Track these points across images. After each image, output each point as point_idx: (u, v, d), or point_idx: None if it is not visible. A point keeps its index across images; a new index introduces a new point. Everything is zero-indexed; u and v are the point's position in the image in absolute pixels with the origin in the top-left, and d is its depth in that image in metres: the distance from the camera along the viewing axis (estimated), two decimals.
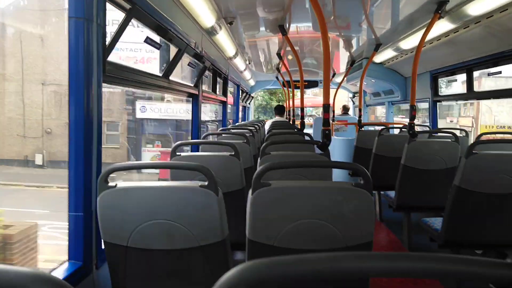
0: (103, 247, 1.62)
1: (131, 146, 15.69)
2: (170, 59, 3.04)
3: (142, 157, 15.58)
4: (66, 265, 1.61)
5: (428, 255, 0.50)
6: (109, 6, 1.77)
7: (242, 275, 0.49)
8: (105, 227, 1.51)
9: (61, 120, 14.38)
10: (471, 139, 5.22)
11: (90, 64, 1.59)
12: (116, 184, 1.48)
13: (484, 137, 3.87)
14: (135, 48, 15.06)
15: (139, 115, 15.75)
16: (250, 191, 1.49)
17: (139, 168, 1.83)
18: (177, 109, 15.85)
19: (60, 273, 1.55)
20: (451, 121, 20.07)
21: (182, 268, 1.56)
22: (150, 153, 15.66)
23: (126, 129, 15.62)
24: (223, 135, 3.73)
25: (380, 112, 11.18)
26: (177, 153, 2.36)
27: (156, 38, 2.55)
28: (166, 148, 15.49)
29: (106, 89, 15.25)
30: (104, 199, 1.47)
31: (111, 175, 1.50)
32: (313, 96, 18.35)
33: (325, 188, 1.47)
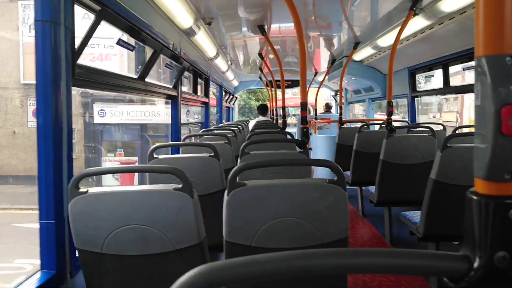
0: (77, 254, 1.59)
1: (90, 156, 14.30)
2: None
3: None
4: (38, 274, 1.57)
5: (382, 251, 0.50)
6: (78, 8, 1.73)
7: (195, 280, 0.48)
8: (78, 234, 1.48)
9: (6, 129, 13.21)
10: None
11: (58, 67, 1.55)
12: (87, 190, 1.45)
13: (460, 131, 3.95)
14: (92, 44, 13.89)
15: (97, 120, 14.02)
16: (226, 192, 1.48)
17: (110, 172, 1.80)
18: (147, 111, 14.41)
19: (32, 283, 1.51)
20: (434, 117, 19.78)
21: (159, 272, 1.53)
22: (111, 163, 14.13)
23: (83, 136, 14.16)
24: (205, 136, 3.70)
25: (358, 109, 11.32)
26: (155, 156, 2.33)
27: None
28: (130, 157, 14.47)
29: None
30: (76, 206, 1.44)
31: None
32: (293, 96, 18.33)
33: (300, 185, 1.48)
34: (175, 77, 3.72)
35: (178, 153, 3.21)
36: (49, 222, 1.57)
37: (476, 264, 0.52)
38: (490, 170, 0.56)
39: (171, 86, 3.62)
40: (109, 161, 14.21)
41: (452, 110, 19.03)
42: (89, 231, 1.47)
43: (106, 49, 13.70)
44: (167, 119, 14.52)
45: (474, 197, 0.58)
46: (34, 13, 1.52)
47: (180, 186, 1.46)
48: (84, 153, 14.31)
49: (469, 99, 17.80)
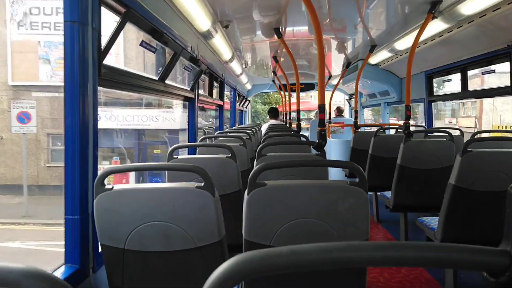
0: (100, 250, 1.62)
1: None
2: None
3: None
4: (62, 268, 1.61)
5: (421, 244, 0.51)
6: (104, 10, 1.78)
7: (237, 267, 0.50)
8: (102, 229, 1.51)
9: None
10: None
11: (86, 68, 1.59)
12: (112, 187, 1.49)
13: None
14: None
15: None
16: (246, 192, 1.50)
17: (134, 170, 1.84)
18: (144, 116, 13.56)
19: None
20: (450, 122, 18.68)
21: (179, 269, 1.56)
22: None
23: None
24: (219, 138, 3.73)
25: (366, 114, 11.16)
26: (174, 156, 2.36)
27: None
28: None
29: (50, 94, 13.14)
30: (101, 202, 1.48)
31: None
32: (305, 101, 18.25)
33: (321, 186, 1.48)
34: (192, 79, 3.77)
35: (195, 154, 3.25)
36: (74, 218, 1.61)
37: None
38: None
39: (188, 88, 3.67)
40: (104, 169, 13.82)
41: (470, 115, 18.06)
42: (113, 227, 1.50)
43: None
44: (166, 124, 13.76)
45: None
46: (63, 14, 1.57)
47: (202, 184, 1.48)
48: None
49: (489, 103, 16.96)
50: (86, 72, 1.59)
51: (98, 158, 1.72)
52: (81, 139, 1.59)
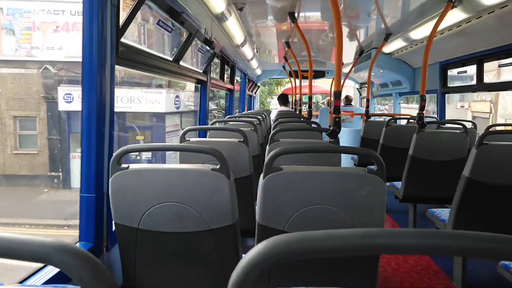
0: (113, 229, 1.64)
1: (55, 152, 11.38)
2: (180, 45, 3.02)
3: (70, 167, 11.12)
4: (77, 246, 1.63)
5: (457, 233, 0.49)
6: None
7: (274, 249, 0.49)
8: (117, 208, 1.52)
9: None
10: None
11: (104, 45, 1.58)
12: (128, 166, 1.49)
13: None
14: (55, 10, 10.69)
15: (63, 106, 10.99)
16: (261, 176, 1.49)
17: (151, 150, 1.84)
18: (124, 97, 11.64)
19: None
20: (462, 107, 16.78)
21: (192, 251, 1.57)
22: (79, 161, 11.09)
23: (46, 126, 11.32)
24: (230, 123, 3.72)
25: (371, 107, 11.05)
26: (186, 138, 2.36)
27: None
28: None
29: (15, 70, 10.64)
30: (116, 181, 1.48)
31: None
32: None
33: (338, 173, 1.47)
34: (205, 61, 3.74)
35: (205, 137, 3.25)
36: (89, 196, 1.62)
37: None
38: None
39: (201, 71, 3.64)
40: (78, 158, 10.39)
41: (485, 99, 15.66)
42: (128, 206, 1.51)
43: (73, 16, 10.68)
44: (150, 107, 11.96)
45: None
46: None
47: (217, 167, 1.47)
48: (48, 148, 11.42)
49: None
50: (104, 50, 1.58)
51: (113, 137, 1.72)
52: (97, 118, 1.59)
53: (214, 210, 1.50)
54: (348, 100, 9.50)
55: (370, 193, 1.43)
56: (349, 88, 16.25)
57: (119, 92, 10.78)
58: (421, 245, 0.48)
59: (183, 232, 1.53)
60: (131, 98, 11.86)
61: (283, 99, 7.15)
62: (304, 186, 1.48)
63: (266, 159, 1.49)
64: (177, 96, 12.58)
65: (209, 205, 1.50)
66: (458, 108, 16.74)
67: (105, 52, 1.58)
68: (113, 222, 1.59)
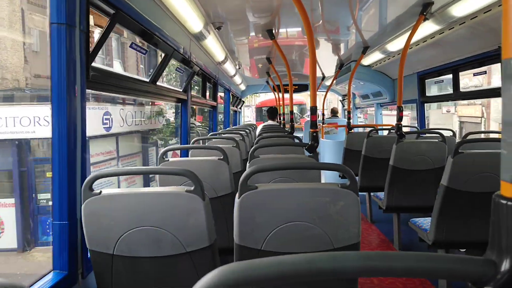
0: (89, 255, 1.60)
1: None
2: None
3: None
4: (50, 275, 1.58)
5: (405, 254, 0.50)
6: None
7: (220, 278, 0.49)
8: (91, 235, 1.48)
9: None
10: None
11: (73, 70, 1.57)
12: (100, 191, 1.46)
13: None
14: None
15: None
16: (237, 195, 1.48)
17: (122, 174, 1.81)
18: (24, 116, 7.86)
19: (45, 283, 1.52)
20: (448, 111, 16.12)
21: (169, 275, 1.54)
22: None
23: None
24: (213, 140, 3.71)
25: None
26: (166, 158, 2.34)
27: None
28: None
29: None
30: (89, 207, 1.45)
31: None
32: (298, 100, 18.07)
33: (311, 189, 1.47)
34: (185, 81, 3.74)
35: (187, 156, 3.22)
36: (62, 223, 1.59)
37: (502, 269, 0.51)
38: None
39: (181, 90, 3.64)
40: None
41: (474, 103, 14.52)
42: (102, 232, 1.48)
43: None
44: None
45: (501, 201, 0.57)
46: (49, 16, 1.54)
47: (192, 188, 1.46)
48: None
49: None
50: (74, 75, 1.57)
51: (86, 162, 1.69)
52: (68, 143, 1.57)
53: (190, 232, 1.48)
54: (334, 112, 9.62)
55: (344, 207, 1.44)
56: (336, 100, 16.42)
57: (16, 111, 8.01)
58: (362, 267, 0.48)
59: (160, 256, 1.51)
60: (36, 119, 8.01)
61: (272, 113, 7.16)
62: (280, 203, 1.48)
63: (241, 178, 1.48)
64: (106, 113, 9.12)
65: (185, 228, 1.48)
66: (444, 113, 16.25)
67: (75, 77, 1.57)
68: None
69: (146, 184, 10.31)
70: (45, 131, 7.89)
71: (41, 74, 8.92)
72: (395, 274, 0.48)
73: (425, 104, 5.10)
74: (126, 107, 10.40)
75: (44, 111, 7.97)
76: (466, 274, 0.49)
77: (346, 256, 0.49)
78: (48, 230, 7.91)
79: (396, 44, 4.43)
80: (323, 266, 0.49)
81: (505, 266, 0.52)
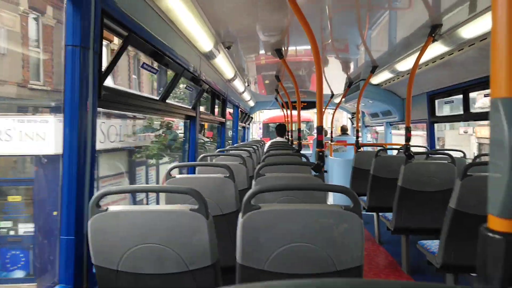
0: (94, 271, 1.62)
1: None
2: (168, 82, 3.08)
3: None
4: None
5: (388, 282, 0.50)
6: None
7: None
8: (96, 250, 1.51)
9: None
10: None
11: (86, 90, 1.62)
12: (107, 208, 1.49)
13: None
14: None
15: None
16: (240, 214, 1.49)
17: (130, 192, 1.84)
18: None
19: None
20: (465, 132, 15.17)
21: None
22: None
23: None
24: (221, 156, 3.74)
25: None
26: (173, 175, 2.37)
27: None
28: None
29: None
30: (95, 223, 1.48)
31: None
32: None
33: (315, 211, 1.47)
34: (194, 98, 3.81)
35: (194, 173, 3.25)
36: (69, 238, 1.61)
37: None
38: (504, 207, 0.57)
39: (190, 107, 3.70)
40: None
41: None
42: (107, 248, 1.50)
43: None
44: (28, 146, 5.97)
45: (488, 234, 0.58)
46: (65, 38, 1.60)
47: (196, 207, 1.48)
48: None
49: None
50: (86, 95, 1.62)
51: (94, 179, 1.73)
52: (78, 161, 1.61)
53: (193, 251, 1.49)
54: (344, 130, 9.60)
55: (347, 230, 1.43)
56: (344, 118, 16.35)
57: None
58: None
59: (163, 273, 1.52)
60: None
61: (281, 130, 7.18)
62: (283, 224, 1.48)
63: (245, 197, 1.50)
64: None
65: (188, 246, 1.49)
66: (461, 134, 15.38)
67: (87, 97, 1.63)
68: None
69: (134, 201, 9.31)
70: (4, 147, 6.20)
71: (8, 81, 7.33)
72: None
73: (439, 124, 5.07)
74: (110, 120, 8.72)
75: (5, 122, 6.25)
76: None
77: (334, 283, 0.50)
78: (8, 265, 6.17)
79: (405, 64, 4.45)
80: None
81: None
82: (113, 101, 1.95)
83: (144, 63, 2.35)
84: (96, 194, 1.49)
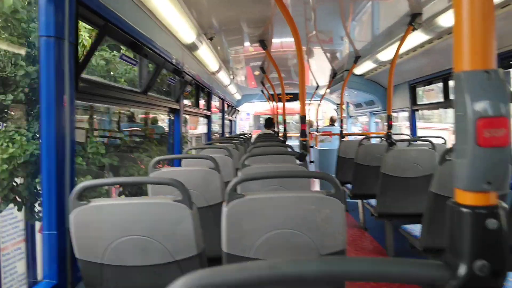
0: (78, 265, 1.60)
1: None
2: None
3: None
4: (40, 285, 1.58)
5: (364, 259, 0.52)
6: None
7: (187, 285, 0.50)
8: (79, 244, 1.49)
9: None
10: None
11: (62, 81, 1.59)
12: (89, 201, 1.48)
13: None
14: None
15: None
16: (225, 203, 1.50)
17: (111, 184, 1.83)
18: None
19: None
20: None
21: (158, 284, 1.54)
22: None
23: None
24: (207, 149, 3.73)
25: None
26: (156, 168, 2.35)
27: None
28: None
29: None
30: (77, 216, 1.46)
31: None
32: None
33: (298, 197, 1.49)
34: (177, 90, 3.77)
35: (180, 166, 3.24)
36: (51, 233, 1.59)
37: (457, 273, 0.53)
38: (469, 180, 0.58)
39: (173, 100, 3.67)
40: None
41: None
42: (90, 241, 1.49)
43: None
44: None
45: (455, 207, 0.60)
46: (39, 29, 1.57)
47: (180, 198, 1.48)
48: None
49: None
50: (62, 86, 1.59)
51: (75, 172, 1.71)
52: (57, 153, 1.58)
53: (178, 241, 1.50)
54: (333, 120, 9.70)
55: (330, 215, 1.45)
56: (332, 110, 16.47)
57: None
58: (321, 272, 0.50)
59: (148, 265, 1.51)
60: None
61: (268, 122, 7.27)
62: (267, 211, 1.50)
63: (228, 187, 1.50)
64: None
65: (172, 237, 1.49)
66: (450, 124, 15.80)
67: (63, 89, 1.60)
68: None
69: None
70: None
71: None
72: (352, 278, 0.50)
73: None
74: None
75: None
76: (422, 278, 0.51)
77: (307, 262, 0.51)
78: None
79: (387, 54, 4.50)
80: (285, 271, 0.50)
81: (461, 270, 0.54)
82: (91, 93, 1.92)
83: (122, 54, 2.31)
84: (76, 187, 1.47)
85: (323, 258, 0.51)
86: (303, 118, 2.47)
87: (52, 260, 1.62)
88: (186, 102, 4.31)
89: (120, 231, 1.48)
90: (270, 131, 7.31)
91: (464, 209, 0.58)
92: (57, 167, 1.59)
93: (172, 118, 3.78)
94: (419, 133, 5.07)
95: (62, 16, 1.57)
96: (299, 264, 0.50)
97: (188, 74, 3.81)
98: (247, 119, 18.18)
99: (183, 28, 3.08)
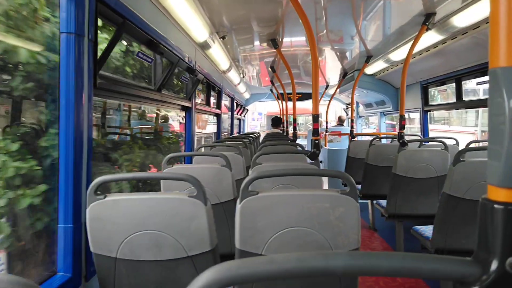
0: (93, 258, 1.63)
1: None
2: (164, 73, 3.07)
3: None
4: (54, 277, 1.61)
5: (393, 254, 0.52)
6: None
7: (215, 276, 0.51)
8: (94, 238, 1.51)
9: None
10: None
11: (81, 78, 1.62)
12: (105, 196, 1.50)
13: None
14: None
15: None
16: (238, 200, 1.51)
17: (127, 179, 1.85)
18: None
19: (48, 286, 1.55)
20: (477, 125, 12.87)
21: (171, 278, 1.56)
22: None
23: None
24: (217, 147, 3.74)
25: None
26: (169, 165, 2.37)
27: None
28: None
29: None
30: (93, 211, 1.48)
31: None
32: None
33: (312, 195, 1.49)
34: (190, 89, 3.80)
35: (191, 163, 3.26)
36: (67, 227, 1.62)
37: (489, 269, 0.54)
38: (504, 176, 0.58)
39: (185, 97, 3.70)
40: None
41: None
42: (105, 236, 1.51)
43: None
44: None
45: (487, 203, 0.59)
46: (59, 25, 1.59)
47: (194, 194, 1.49)
48: None
49: None
50: (81, 83, 1.62)
51: (91, 167, 1.73)
52: (75, 148, 1.61)
53: (192, 237, 1.51)
54: (341, 120, 9.65)
55: (344, 213, 1.45)
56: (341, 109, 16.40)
57: None
58: (349, 266, 0.50)
59: (162, 260, 1.53)
60: None
61: (276, 121, 7.28)
62: (280, 209, 1.50)
63: (242, 184, 1.51)
64: None
65: (187, 232, 1.50)
66: (472, 127, 13.50)
67: (82, 85, 1.62)
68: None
69: None
70: None
71: None
72: (379, 274, 0.51)
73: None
74: None
75: None
76: (453, 274, 0.52)
77: (336, 256, 0.51)
78: None
79: (399, 54, 4.47)
80: (314, 264, 0.51)
81: (492, 266, 0.54)
82: (108, 90, 1.94)
83: (139, 51, 2.34)
84: (93, 182, 1.50)
85: (352, 252, 0.52)
86: (315, 117, 2.47)
87: (67, 254, 1.64)
88: (197, 100, 4.33)
89: (135, 226, 1.50)
90: (278, 130, 7.31)
91: (497, 206, 0.58)
92: (74, 163, 1.61)
93: (184, 116, 3.81)
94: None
95: (82, 13, 1.59)
96: (327, 258, 0.51)
97: (200, 73, 3.83)
98: (259, 119, 18.19)
99: (197, 27, 3.10)
